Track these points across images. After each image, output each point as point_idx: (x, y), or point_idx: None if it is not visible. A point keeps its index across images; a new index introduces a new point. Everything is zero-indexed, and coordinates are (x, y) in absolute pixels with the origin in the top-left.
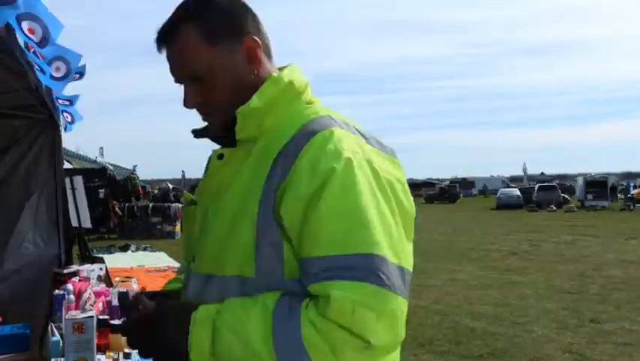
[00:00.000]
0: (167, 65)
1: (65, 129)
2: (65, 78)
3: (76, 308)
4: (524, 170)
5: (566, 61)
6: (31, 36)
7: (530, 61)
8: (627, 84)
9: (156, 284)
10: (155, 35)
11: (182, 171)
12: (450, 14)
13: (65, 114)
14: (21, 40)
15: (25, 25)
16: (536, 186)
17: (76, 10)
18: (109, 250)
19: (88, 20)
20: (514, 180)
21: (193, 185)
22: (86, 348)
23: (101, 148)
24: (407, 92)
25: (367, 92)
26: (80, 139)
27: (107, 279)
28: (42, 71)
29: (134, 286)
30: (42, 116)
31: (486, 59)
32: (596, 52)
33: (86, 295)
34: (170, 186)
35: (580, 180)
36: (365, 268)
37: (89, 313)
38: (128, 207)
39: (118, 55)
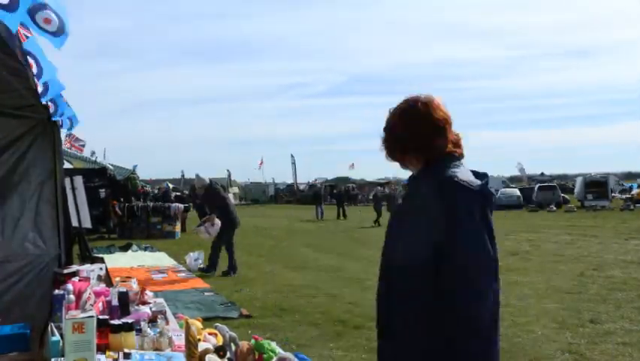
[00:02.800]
0: (168, 70)
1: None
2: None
3: (76, 308)
4: (520, 170)
5: (592, 64)
6: (47, 27)
7: (561, 63)
8: (632, 87)
9: (156, 284)
10: None
11: (182, 171)
12: (492, 19)
13: (63, 118)
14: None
15: (41, 15)
16: (536, 187)
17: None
18: (109, 250)
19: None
20: (514, 180)
21: (192, 185)
22: (86, 348)
23: (104, 149)
24: (434, 94)
25: (394, 94)
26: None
27: (107, 279)
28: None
29: (134, 286)
30: (42, 116)
31: (518, 62)
32: (615, 55)
33: (85, 295)
34: (171, 185)
35: (580, 180)
36: None
37: (89, 313)
38: (128, 207)
39: (118, 58)
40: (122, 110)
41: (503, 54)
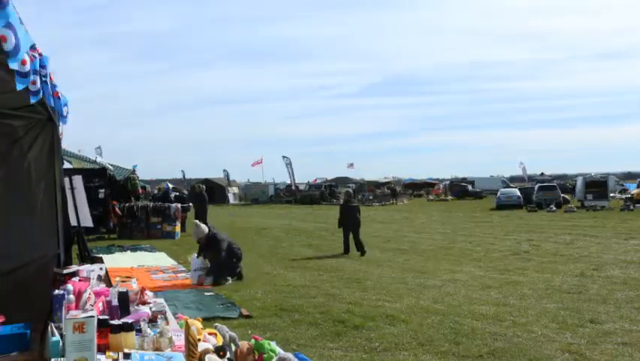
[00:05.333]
0: (167, 74)
1: (64, 122)
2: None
3: (77, 308)
4: (523, 169)
5: (611, 67)
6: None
7: (583, 66)
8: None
9: (156, 284)
10: None
11: (182, 171)
12: (533, 22)
13: (64, 108)
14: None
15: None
16: (536, 186)
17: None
18: (109, 250)
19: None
20: (514, 180)
21: (193, 185)
22: (86, 348)
23: (99, 148)
24: (458, 95)
25: (424, 94)
26: (80, 139)
27: (106, 279)
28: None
29: (134, 286)
30: (42, 116)
31: (552, 64)
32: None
33: (86, 296)
34: (170, 185)
35: (580, 180)
36: None
37: (90, 313)
38: (128, 207)
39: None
40: (153, 110)
41: (536, 57)
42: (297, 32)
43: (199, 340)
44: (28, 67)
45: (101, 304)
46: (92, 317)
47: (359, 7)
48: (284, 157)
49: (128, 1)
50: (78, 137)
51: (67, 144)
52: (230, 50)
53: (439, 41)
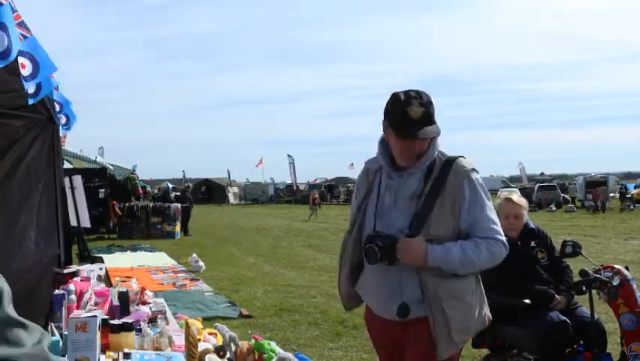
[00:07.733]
0: (165, 75)
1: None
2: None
3: (78, 308)
4: (521, 170)
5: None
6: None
7: (617, 66)
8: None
9: (156, 284)
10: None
11: (183, 171)
12: (566, 24)
13: (60, 116)
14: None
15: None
16: (536, 186)
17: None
18: (109, 250)
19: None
20: (514, 180)
21: (194, 185)
22: (88, 348)
23: (101, 148)
24: (477, 95)
25: (447, 95)
26: (81, 140)
27: (106, 279)
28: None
29: (134, 286)
30: (41, 116)
31: (578, 65)
32: None
33: (87, 296)
34: (170, 185)
35: (580, 180)
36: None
37: (93, 313)
38: (128, 207)
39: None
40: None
41: (568, 59)
42: (330, 36)
43: (199, 340)
44: (27, 71)
45: (106, 306)
46: (95, 316)
47: (396, 12)
48: (289, 155)
49: (133, 2)
50: (81, 137)
51: (68, 144)
52: (272, 53)
53: (462, 44)
